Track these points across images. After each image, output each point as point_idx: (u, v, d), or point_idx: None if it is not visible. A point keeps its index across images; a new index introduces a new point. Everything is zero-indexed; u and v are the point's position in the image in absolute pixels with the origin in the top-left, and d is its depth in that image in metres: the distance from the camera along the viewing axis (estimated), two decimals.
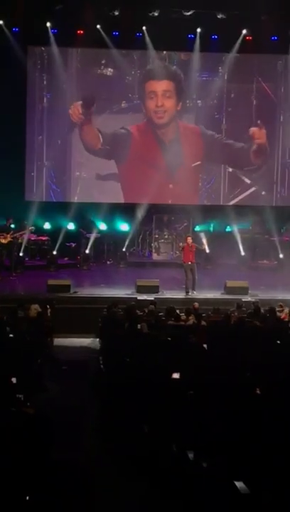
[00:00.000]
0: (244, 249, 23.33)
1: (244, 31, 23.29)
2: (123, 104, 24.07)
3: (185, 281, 18.95)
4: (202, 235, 23.35)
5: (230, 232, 24.19)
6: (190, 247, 19.30)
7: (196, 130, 24.42)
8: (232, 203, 24.54)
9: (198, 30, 23.25)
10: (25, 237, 21.96)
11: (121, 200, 24.32)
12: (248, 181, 24.59)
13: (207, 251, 22.90)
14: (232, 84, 24.35)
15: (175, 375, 10.36)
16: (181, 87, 24.04)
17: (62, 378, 13.15)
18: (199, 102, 24.39)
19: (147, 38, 23.12)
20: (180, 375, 10.40)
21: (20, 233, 21.50)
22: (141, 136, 24.18)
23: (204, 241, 22.82)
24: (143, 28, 23.04)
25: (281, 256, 23.08)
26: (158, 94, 23.96)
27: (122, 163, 24.19)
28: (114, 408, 9.96)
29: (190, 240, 19.56)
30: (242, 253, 23.23)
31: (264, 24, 22.55)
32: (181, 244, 20.00)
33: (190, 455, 7.69)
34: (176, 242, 23.51)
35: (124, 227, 24.05)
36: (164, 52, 24.06)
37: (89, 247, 22.89)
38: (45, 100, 23.93)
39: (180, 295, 18.67)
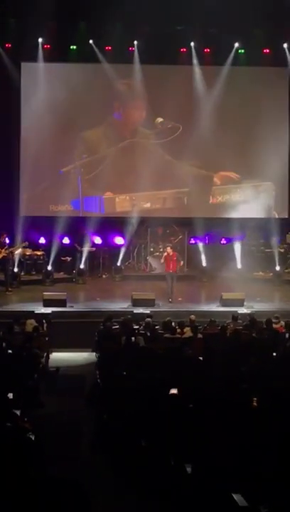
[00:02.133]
0: (239, 261, 23.30)
1: (237, 44, 23.46)
2: (115, 115, 24.29)
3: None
4: (198, 247, 23.43)
5: (226, 245, 24.21)
6: (170, 256, 19.85)
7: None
8: (227, 214, 24.45)
9: (192, 44, 23.42)
10: (19, 253, 21.94)
11: (116, 213, 24.37)
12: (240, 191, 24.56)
13: (204, 264, 22.98)
14: (224, 93, 23.77)
15: (173, 391, 10.28)
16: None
17: (59, 393, 13.12)
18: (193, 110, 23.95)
19: (136, 53, 23.34)
20: (178, 389, 10.36)
21: (14, 248, 21.45)
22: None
23: (202, 254, 23.00)
24: (135, 42, 23.23)
25: (277, 268, 23.05)
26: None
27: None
28: (111, 422, 9.93)
29: (169, 249, 20.22)
30: (239, 265, 23.19)
31: (256, 38, 22.84)
32: (162, 261, 20.59)
33: (188, 468, 7.66)
34: None
35: (118, 240, 24.02)
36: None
37: (83, 261, 22.84)
38: (39, 115, 23.74)
39: (176, 308, 18.67)
